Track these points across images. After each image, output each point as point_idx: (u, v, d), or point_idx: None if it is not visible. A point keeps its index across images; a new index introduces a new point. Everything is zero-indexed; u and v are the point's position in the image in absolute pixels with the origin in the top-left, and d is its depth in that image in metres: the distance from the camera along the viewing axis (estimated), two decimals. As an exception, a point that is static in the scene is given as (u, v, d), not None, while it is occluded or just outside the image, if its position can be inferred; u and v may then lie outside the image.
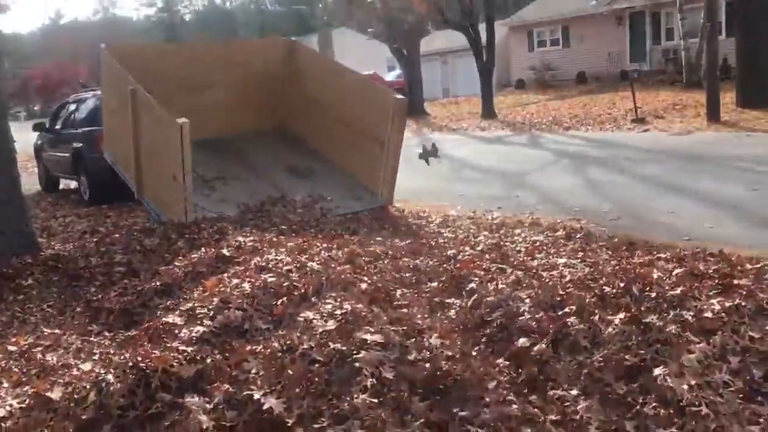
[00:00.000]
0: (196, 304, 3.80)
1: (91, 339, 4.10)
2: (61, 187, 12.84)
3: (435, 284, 4.18)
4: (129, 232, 7.03)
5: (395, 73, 32.50)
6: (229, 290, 3.85)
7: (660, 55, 26.38)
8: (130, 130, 7.33)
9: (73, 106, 11.43)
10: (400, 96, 7.39)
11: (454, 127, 19.82)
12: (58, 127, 11.70)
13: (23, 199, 6.08)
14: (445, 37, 32.33)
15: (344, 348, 2.99)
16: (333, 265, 4.30)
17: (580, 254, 4.97)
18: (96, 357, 3.72)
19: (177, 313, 3.84)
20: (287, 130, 9.25)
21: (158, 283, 4.62)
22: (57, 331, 4.20)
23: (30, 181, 13.96)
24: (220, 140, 8.65)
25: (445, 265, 4.57)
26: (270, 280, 3.93)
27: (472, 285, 3.96)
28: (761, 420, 2.58)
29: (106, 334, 4.18)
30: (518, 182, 9.56)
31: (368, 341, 3.02)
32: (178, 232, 6.37)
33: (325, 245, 4.94)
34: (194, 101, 8.59)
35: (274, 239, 5.23)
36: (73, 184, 11.64)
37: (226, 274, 4.23)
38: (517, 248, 5.57)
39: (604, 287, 3.64)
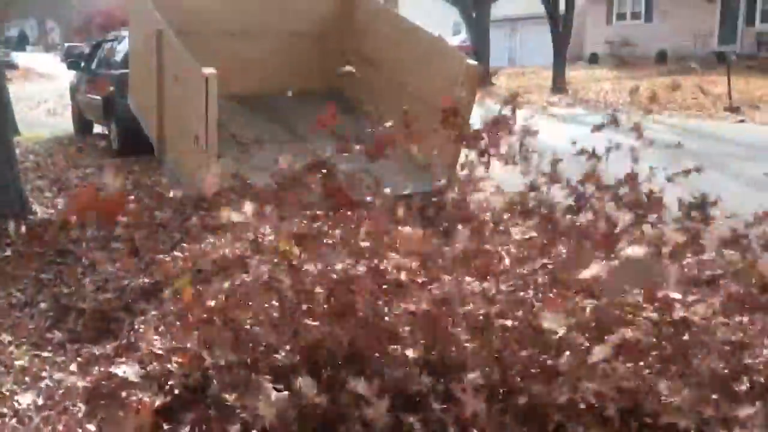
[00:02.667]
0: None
1: (44, 354, 3.09)
2: (96, 131, 11.99)
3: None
4: (143, 197, 6.05)
5: (460, 38, 30.88)
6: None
7: (753, 38, 24.13)
8: (153, 78, 6.27)
9: (109, 45, 10.46)
10: (472, 61, 6.15)
11: (521, 100, 18.33)
12: (93, 66, 10.76)
13: (12, 152, 5.09)
14: (515, 3, 30.44)
15: None
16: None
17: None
18: (42, 384, 2.72)
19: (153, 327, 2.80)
20: (338, 92, 8.07)
21: (145, 281, 3.58)
22: (4, 336, 3.20)
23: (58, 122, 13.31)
24: (261, 98, 7.53)
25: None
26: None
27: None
28: None
29: (68, 346, 3.17)
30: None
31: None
32: (195, 205, 5.33)
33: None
34: (234, 50, 7.48)
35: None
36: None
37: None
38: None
39: None
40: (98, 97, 9.92)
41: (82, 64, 11.27)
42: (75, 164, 8.69)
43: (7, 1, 30.05)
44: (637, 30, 27.86)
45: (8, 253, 4.45)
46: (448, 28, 35.46)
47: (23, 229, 4.77)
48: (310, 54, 7.98)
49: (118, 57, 9.82)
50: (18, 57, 43.98)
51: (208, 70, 5.22)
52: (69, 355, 3.07)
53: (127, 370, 2.18)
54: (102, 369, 2.33)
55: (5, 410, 2.58)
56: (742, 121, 12.48)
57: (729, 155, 9.09)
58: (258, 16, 7.67)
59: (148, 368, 2.21)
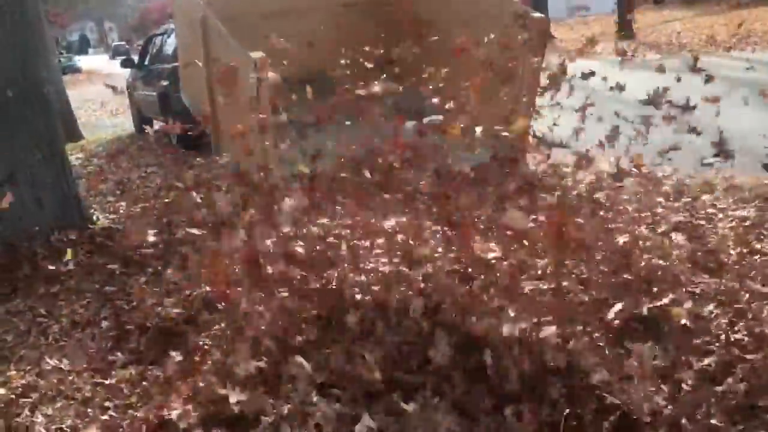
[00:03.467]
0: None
1: (108, 381, 2.85)
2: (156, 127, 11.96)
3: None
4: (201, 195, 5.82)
5: (516, -9, 29.66)
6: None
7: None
8: (202, 68, 6.00)
9: (159, 39, 10.31)
10: (539, 14, 5.61)
11: (588, 50, 17.39)
12: (146, 62, 10.65)
13: (66, 158, 4.92)
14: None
15: None
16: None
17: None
18: (106, 416, 2.49)
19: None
20: (398, 61, 7.64)
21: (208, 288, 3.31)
22: (64, 364, 2.99)
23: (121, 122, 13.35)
24: (316, 77, 7.18)
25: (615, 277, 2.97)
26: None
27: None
28: None
29: (131, 371, 2.93)
30: (686, 120, 7.51)
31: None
32: (254, 197, 5.07)
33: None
34: (283, 30, 7.13)
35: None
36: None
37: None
38: (719, 231, 3.85)
39: None
40: (153, 93, 9.81)
41: (136, 60, 11.18)
42: (137, 164, 8.60)
43: (66, 6, 30.74)
44: (705, -37, 26.12)
45: (71, 266, 4.28)
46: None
47: (85, 240, 4.61)
48: (364, 25, 7.58)
49: (169, 50, 9.65)
50: (81, 61, 45.24)
51: (257, 55, 4.91)
52: (132, 378, 2.84)
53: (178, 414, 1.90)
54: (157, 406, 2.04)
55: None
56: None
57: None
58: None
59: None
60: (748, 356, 2.09)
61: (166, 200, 6.03)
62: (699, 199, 4.50)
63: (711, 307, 2.54)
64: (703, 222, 3.99)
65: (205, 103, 6.24)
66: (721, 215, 4.11)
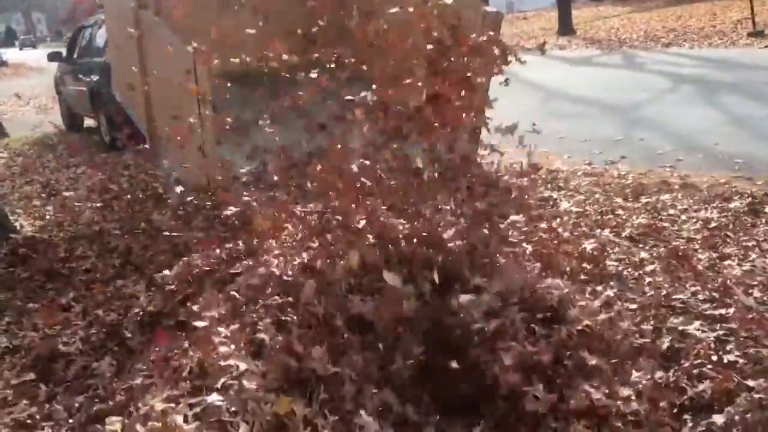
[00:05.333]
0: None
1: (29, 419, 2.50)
2: (87, 124, 11.32)
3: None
4: (137, 200, 5.44)
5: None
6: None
7: (763, -44, 22.94)
8: (136, 62, 5.59)
9: (89, 31, 9.73)
10: (493, 8, 5.42)
11: (527, 46, 17.42)
12: (75, 56, 10.05)
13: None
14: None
15: None
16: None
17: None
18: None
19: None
20: (346, 58, 7.35)
21: (146, 309, 2.97)
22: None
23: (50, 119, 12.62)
24: (260, 73, 6.82)
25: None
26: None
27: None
28: None
29: (60, 412, 2.57)
30: (634, 118, 7.49)
31: None
32: (196, 204, 4.73)
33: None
34: (225, 23, 6.77)
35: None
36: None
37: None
38: (684, 234, 3.72)
39: None
40: (84, 89, 9.25)
41: (64, 53, 10.55)
42: (66, 164, 8.06)
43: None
44: (640, -40, 26.65)
45: (-12, 281, 3.86)
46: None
47: (5, 252, 4.17)
48: (311, 18, 7.25)
49: (100, 43, 9.10)
50: (6, 53, 43.13)
51: (192, 46, 4.55)
52: (56, 416, 2.49)
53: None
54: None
55: None
56: (770, 46, 11.65)
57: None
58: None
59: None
60: (749, 382, 1.91)
61: (98, 204, 5.60)
62: (659, 199, 4.39)
63: (697, 324, 2.36)
64: (666, 224, 3.86)
65: (139, 100, 5.84)
66: (684, 216, 3.99)
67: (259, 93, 6.75)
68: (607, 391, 1.91)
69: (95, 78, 8.70)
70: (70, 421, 2.47)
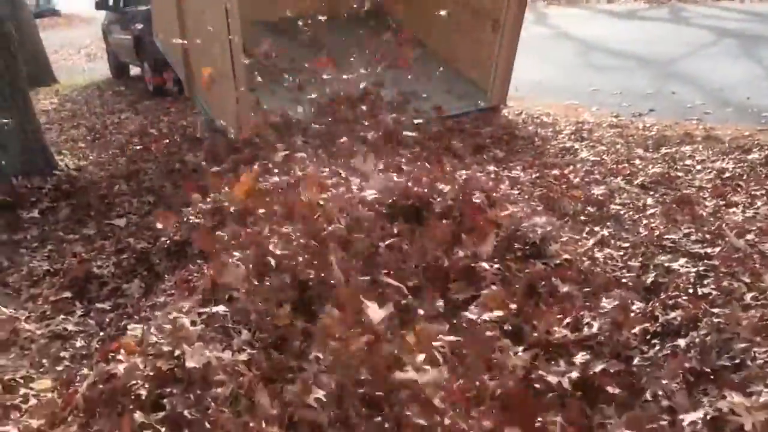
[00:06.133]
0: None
1: (64, 331, 2.78)
2: (133, 72, 11.64)
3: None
4: (173, 143, 5.69)
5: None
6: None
7: None
8: (174, 11, 5.77)
9: (136, -21, 9.94)
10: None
11: (574, -2, 17.05)
12: (122, 4, 10.29)
13: (29, 101, 4.73)
14: None
15: None
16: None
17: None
18: (61, 368, 2.44)
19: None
20: (378, 10, 7.43)
21: (173, 237, 3.20)
22: (20, 314, 2.90)
23: (99, 67, 13.00)
24: (294, 22, 6.96)
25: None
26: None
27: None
28: None
29: (88, 321, 2.85)
30: (670, 72, 7.40)
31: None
32: (228, 146, 4.94)
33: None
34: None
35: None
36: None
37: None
38: (696, 183, 3.78)
39: None
40: (129, 37, 9.51)
41: (111, 2, 10.80)
42: (111, 109, 8.38)
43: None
44: None
45: (35, 213, 4.16)
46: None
47: (49, 187, 4.47)
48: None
49: (146, -9, 9.32)
50: (60, 2, 43.87)
51: (227, -1, 4.70)
52: (88, 330, 2.77)
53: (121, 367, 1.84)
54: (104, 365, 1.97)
55: (19, 397, 2.29)
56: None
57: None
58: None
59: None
60: (714, 310, 2.03)
61: (138, 147, 5.88)
62: (679, 150, 4.42)
63: (682, 261, 2.47)
64: (681, 174, 3.92)
65: (177, 48, 6.04)
66: (699, 167, 4.03)
67: (295, 41, 6.92)
68: (569, 319, 2.07)
69: (140, 26, 8.93)
70: (101, 333, 2.75)
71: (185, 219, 3.23)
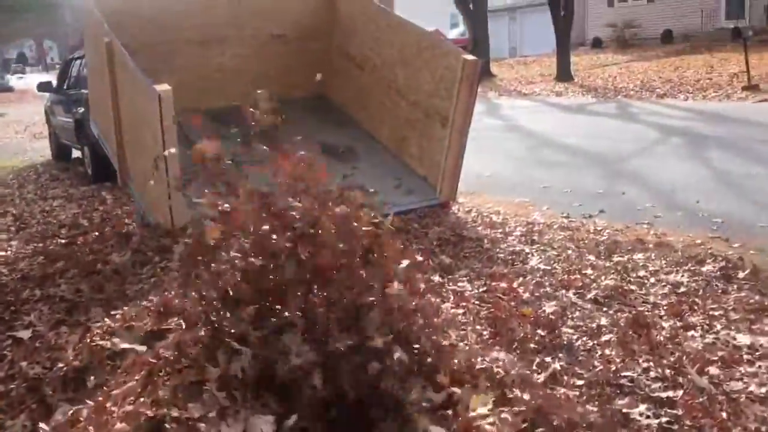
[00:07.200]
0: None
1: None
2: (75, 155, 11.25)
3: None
4: (101, 237, 5.30)
5: (458, 31, 30.07)
6: None
7: (762, 11, 23.15)
8: (108, 97, 5.52)
9: (78, 63, 9.72)
10: (470, 56, 5.35)
11: (524, 91, 17.46)
12: (65, 86, 10.03)
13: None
14: (513, -9, 29.61)
15: None
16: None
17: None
18: None
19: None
20: (324, 98, 7.31)
21: (73, 361, 2.80)
22: None
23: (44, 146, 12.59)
24: (238, 110, 6.76)
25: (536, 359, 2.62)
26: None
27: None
28: None
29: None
30: (618, 170, 7.39)
31: None
32: (157, 244, 4.60)
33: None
34: (206, 60, 6.75)
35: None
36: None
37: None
38: (651, 298, 3.57)
39: None
40: (70, 120, 9.21)
41: (54, 84, 10.54)
42: (44, 195, 7.96)
43: (3, 22, 29.58)
44: (640, 10, 26.94)
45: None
46: (446, 22, 34.58)
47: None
48: (292, 58, 7.23)
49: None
50: (13, 79, 43.63)
51: (162, 88, 4.47)
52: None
53: None
54: None
55: None
56: (764, 100, 11.60)
57: (759, 140, 8.21)
58: (231, 20, 6.92)
59: None
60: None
61: (63, 241, 5.47)
62: (631, 258, 4.24)
63: (642, 408, 2.20)
64: (634, 288, 3.71)
65: (111, 135, 5.76)
66: (653, 279, 3.84)
67: (239, 131, 6.68)
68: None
69: (81, 110, 8.66)
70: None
71: (88, 339, 2.85)
